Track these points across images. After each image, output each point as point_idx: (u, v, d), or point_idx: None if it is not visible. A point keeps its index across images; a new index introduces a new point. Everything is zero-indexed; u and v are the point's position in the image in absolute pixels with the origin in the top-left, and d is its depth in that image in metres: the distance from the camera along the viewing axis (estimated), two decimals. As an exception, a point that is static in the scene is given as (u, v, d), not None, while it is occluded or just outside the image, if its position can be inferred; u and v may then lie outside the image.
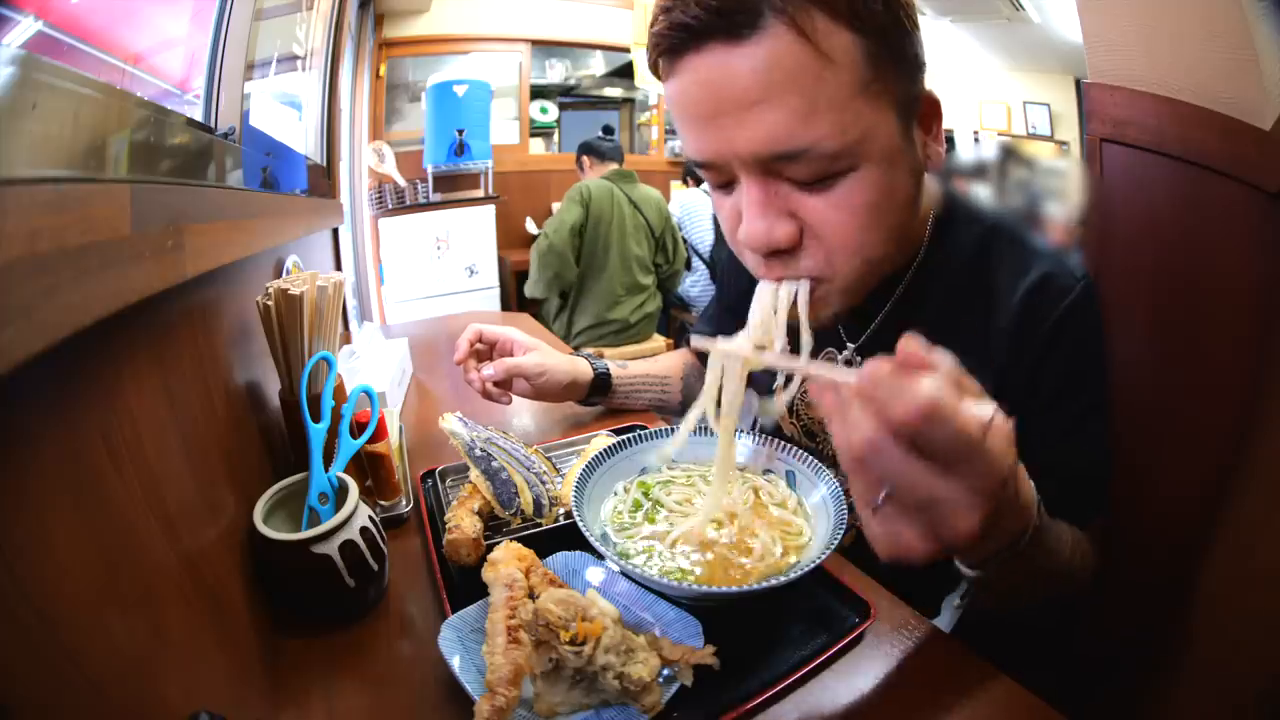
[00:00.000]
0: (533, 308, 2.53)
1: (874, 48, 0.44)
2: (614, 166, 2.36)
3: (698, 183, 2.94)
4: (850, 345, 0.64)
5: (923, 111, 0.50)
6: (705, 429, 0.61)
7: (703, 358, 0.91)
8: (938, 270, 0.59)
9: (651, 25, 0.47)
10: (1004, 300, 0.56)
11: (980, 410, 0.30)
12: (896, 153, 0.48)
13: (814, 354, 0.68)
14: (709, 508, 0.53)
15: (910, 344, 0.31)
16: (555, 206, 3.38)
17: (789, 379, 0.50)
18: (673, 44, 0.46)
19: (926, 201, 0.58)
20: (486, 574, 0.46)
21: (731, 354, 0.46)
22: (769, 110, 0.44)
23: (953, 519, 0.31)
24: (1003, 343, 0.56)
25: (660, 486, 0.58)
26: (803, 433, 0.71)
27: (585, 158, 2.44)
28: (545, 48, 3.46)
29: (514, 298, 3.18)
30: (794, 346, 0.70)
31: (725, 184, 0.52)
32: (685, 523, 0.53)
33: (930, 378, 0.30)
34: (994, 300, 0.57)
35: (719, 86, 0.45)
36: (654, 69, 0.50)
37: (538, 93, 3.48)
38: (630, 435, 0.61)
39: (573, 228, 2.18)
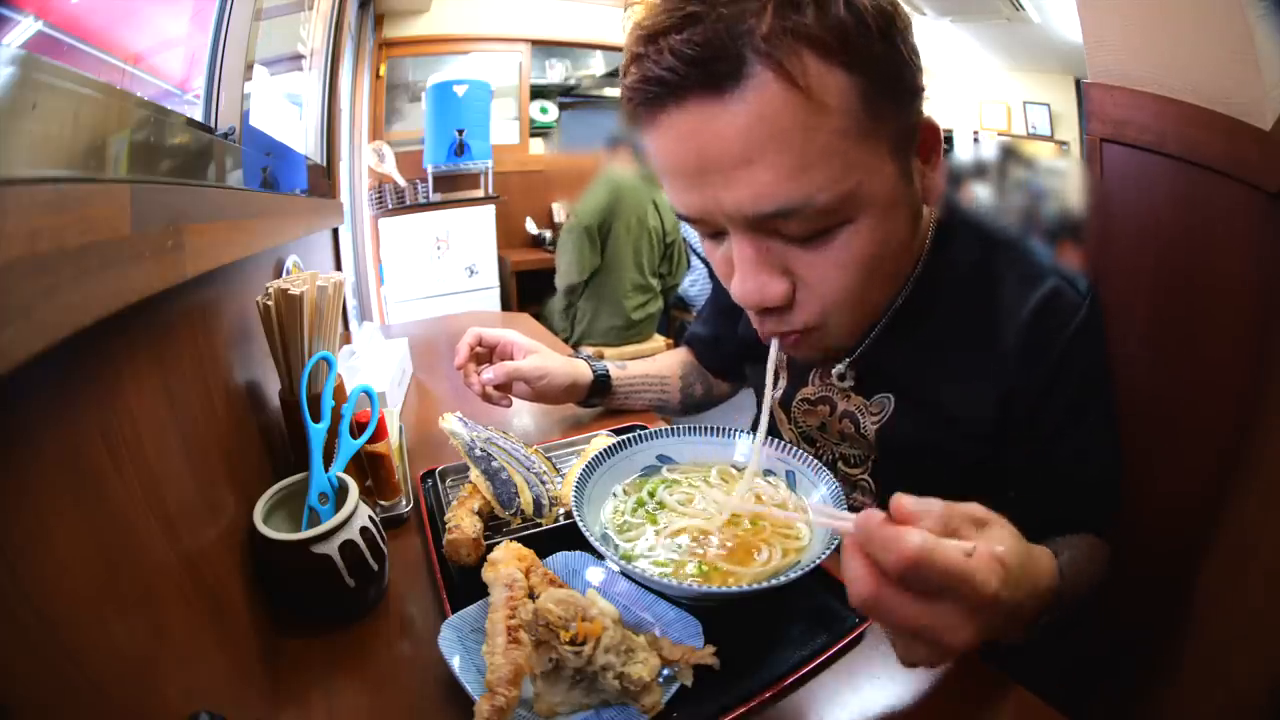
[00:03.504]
0: (533, 308, 2.52)
1: (869, 86, 0.40)
2: (642, 167, 2.34)
3: None
4: (846, 358, 0.64)
5: (921, 140, 0.47)
6: (709, 429, 0.62)
7: (702, 360, 0.92)
8: (937, 282, 0.57)
9: (623, 75, 0.43)
10: (1010, 315, 0.54)
11: (962, 545, 0.32)
12: (894, 197, 0.45)
13: (807, 369, 0.68)
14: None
15: (898, 500, 0.33)
16: (556, 206, 3.37)
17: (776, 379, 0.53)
18: (648, 98, 0.42)
19: (926, 214, 0.56)
20: (486, 574, 0.46)
21: (721, 503, 0.53)
22: (758, 169, 0.40)
23: (948, 637, 0.33)
24: (1010, 358, 0.54)
25: (665, 486, 0.58)
26: (800, 438, 0.70)
27: (620, 148, 2.35)
28: (545, 48, 3.45)
29: (514, 298, 3.17)
30: (794, 373, 0.69)
31: (715, 234, 0.49)
32: (681, 522, 0.54)
33: (916, 532, 0.31)
34: (999, 314, 0.55)
35: (702, 145, 0.41)
36: (630, 120, 0.46)
37: (538, 93, 3.47)
38: (630, 435, 0.61)
39: (599, 210, 2.16)
